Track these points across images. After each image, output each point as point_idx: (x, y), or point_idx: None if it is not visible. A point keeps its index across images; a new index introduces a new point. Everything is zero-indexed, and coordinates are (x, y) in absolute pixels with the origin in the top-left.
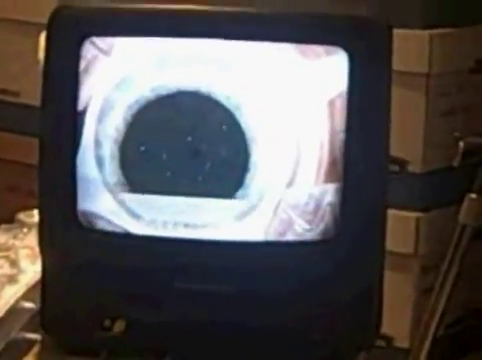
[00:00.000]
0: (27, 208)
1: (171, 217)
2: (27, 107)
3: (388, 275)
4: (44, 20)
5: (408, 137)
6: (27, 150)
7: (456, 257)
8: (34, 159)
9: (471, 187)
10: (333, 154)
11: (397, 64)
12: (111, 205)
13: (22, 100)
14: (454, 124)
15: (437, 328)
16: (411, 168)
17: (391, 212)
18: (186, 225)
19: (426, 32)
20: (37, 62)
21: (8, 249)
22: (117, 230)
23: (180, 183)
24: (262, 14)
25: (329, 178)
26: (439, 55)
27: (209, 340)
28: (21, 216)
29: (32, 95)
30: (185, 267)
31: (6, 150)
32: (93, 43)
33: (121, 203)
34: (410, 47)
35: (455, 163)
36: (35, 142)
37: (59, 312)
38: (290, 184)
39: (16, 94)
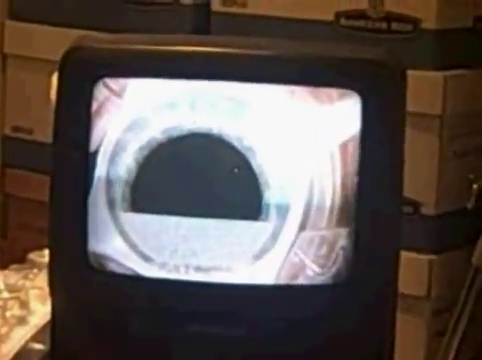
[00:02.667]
0: (39, 246)
1: (182, 260)
2: (40, 144)
3: (400, 317)
4: (57, 57)
5: (421, 179)
6: (40, 187)
7: (469, 300)
8: (46, 197)
9: None
10: (346, 197)
11: (410, 105)
12: (122, 247)
13: (35, 137)
14: (468, 166)
15: None
16: (424, 210)
17: (404, 254)
18: (197, 268)
19: (440, 73)
20: (49, 101)
21: (18, 290)
22: (128, 272)
23: (192, 226)
24: (275, 56)
25: (342, 222)
26: (453, 96)
27: None
28: (32, 256)
29: (46, 132)
30: (196, 310)
31: (19, 187)
32: (105, 84)
33: (132, 245)
34: (423, 88)
35: (469, 205)
36: (48, 180)
37: (68, 354)
38: (302, 228)
39: (29, 131)
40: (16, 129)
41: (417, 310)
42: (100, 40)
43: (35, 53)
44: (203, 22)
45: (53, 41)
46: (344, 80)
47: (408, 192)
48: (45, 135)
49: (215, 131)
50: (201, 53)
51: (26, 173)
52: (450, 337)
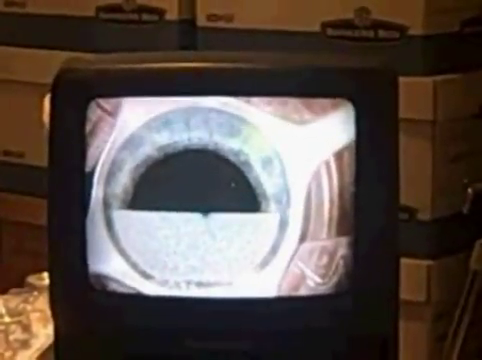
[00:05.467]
0: (34, 269)
1: (183, 277)
2: (32, 168)
3: (401, 324)
4: (47, 80)
5: (416, 185)
6: (32, 211)
7: (469, 303)
8: (39, 220)
9: (481, 233)
10: (344, 207)
11: (401, 112)
12: (122, 266)
13: (26, 161)
14: (461, 170)
15: None
16: (420, 216)
17: (402, 260)
18: (199, 284)
19: (429, 79)
20: (41, 123)
21: (20, 314)
22: (129, 291)
23: (191, 242)
24: (267, 69)
25: (342, 231)
26: (443, 101)
27: None
28: (31, 279)
29: (36, 156)
30: (199, 326)
31: (11, 211)
32: (99, 105)
33: (132, 264)
34: (414, 95)
35: (464, 209)
36: (40, 203)
37: None
38: (303, 239)
39: (20, 155)
40: (6, 153)
41: (418, 316)
42: (90, 61)
43: (23, 77)
44: (189, 38)
45: (40, 64)
46: (336, 90)
47: (403, 199)
48: (36, 158)
49: (210, 147)
50: (193, 69)
51: (18, 197)
52: (452, 341)
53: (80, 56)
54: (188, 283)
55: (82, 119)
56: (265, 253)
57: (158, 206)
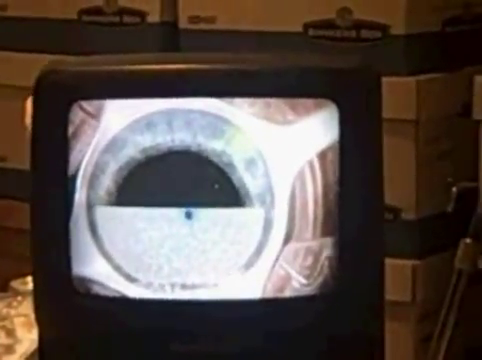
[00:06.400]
0: (18, 274)
1: (168, 279)
2: (14, 172)
3: (386, 324)
4: (29, 84)
5: (400, 185)
6: (15, 215)
7: (454, 303)
8: (22, 224)
9: (466, 232)
10: (328, 207)
11: (384, 112)
12: (106, 269)
13: (9, 165)
14: (445, 169)
15: None
16: (404, 216)
17: (387, 261)
18: (183, 286)
19: (412, 78)
20: (23, 126)
21: (4, 318)
22: (113, 294)
23: (175, 244)
24: (250, 70)
25: (326, 231)
26: (426, 100)
27: None
28: (15, 284)
29: (19, 160)
30: (183, 329)
31: None
32: (81, 107)
33: (116, 267)
34: (397, 94)
35: (449, 209)
36: (23, 207)
37: None
38: (287, 240)
39: (2, 159)
40: None
41: (403, 316)
42: (72, 63)
43: (4, 80)
44: (171, 40)
45: (21, 67)
46: (320, 90)
47: (387, 199)
48: (18, 162)
49: (194, 148)
50: (175, 71)
51: (0, 201)
52: (437, 341)
53: (62, 58)
54: (172, 285)
55: (65, 122)
56: (250, 254)
57: (141, 209)
